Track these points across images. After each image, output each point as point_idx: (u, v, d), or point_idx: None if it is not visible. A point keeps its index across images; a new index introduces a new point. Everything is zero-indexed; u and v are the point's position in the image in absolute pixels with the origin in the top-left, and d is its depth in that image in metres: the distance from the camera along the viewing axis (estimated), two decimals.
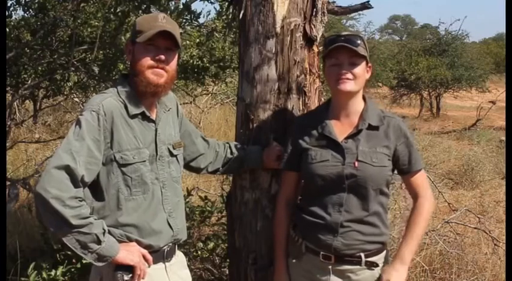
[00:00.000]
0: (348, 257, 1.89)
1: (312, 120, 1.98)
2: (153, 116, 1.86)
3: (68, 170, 1.62)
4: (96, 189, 1.76)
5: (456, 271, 3.63)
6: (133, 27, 1.85)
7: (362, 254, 1.89)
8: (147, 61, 1.79)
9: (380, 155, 1.88)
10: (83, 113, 1.73)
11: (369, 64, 1.93)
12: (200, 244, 3.39)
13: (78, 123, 1.70)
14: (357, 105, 1.94)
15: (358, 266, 1.90)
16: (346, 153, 1.88)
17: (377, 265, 1.92)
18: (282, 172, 2.10)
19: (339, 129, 1.93)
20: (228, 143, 2.22)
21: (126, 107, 1.78)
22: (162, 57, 1.80)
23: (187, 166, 2.11)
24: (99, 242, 1.66)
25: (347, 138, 1.90)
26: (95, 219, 1.68)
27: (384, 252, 1.96)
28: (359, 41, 1.86)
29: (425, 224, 1.99)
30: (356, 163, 1.86)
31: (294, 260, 2.02)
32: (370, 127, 1.91)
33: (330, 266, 1.91)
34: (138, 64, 1.80)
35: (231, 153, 2.18)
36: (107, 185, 1.76)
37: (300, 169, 1.98)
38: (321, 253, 1.91)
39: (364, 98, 1.97)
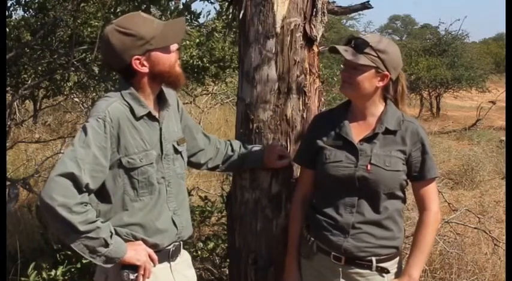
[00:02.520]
0: (359, 260, 1.87)
1: (332, 119, 1.97)
2: (157, 115, 1.85)
3: (72, 177, 1.61)
4: (102, 192, 1.75)
5: (456, 271, 3.62)
6: (135, 41, 1.71)
7: (373, 259, 1.87)
8: (175, 59, 1.81)
9: (394, 159, 1.86)
10: (88, 120, 1.71)
11: (384, 72, 1.84)
12: (200, 244, 3.39)
13: (84, 130, 1.68)
14: (374, 108, 1.91)
15: (368, 271, 1.87)
16: (360, 155, 1.87)
17: (388, 272, 1.89)
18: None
19: (356, 131, 1.91)
20: (229, 141, 2.22)
21: (131, 110, 1.76)
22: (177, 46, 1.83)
23: (187, 161, 2.09)
24: (107, 245, 1.66)
25: (363, 140, 1.89)
26: (102, 222, 1.68)
27: (397, 258, 1.94)
28: (367, 50, 1.81)
29: (432, 238, 1.96)
30: (369, 166, 1.85)
31: (305, 260, 2.01)
32: (387, 131, 1.88)
33: (340, 268, 1.89)
34: (168, 67, 1.78)
35: (232, 151, 2.18)
36: (113, 189, 1.76)
37: (316, 167, 1.97)
38: (332, 253, 1.90)
39: (385, 101, 1.93)
